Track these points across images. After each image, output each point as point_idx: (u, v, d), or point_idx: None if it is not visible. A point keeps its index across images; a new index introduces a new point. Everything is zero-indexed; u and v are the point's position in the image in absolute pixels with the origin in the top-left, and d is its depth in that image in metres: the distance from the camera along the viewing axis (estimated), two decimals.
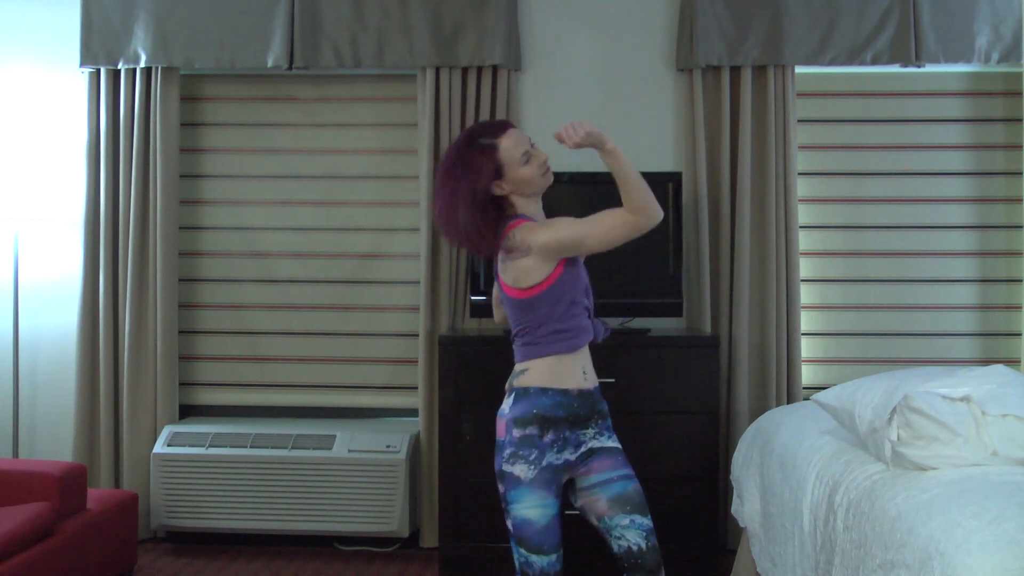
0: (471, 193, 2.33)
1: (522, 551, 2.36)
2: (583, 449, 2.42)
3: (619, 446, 2.48)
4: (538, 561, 2.34)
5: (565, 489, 2.45)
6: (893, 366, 3.72)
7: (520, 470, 2.35)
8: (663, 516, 3.51)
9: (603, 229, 2.33)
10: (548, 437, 2.36)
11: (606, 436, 2.46)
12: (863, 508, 2.07)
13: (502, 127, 2.39)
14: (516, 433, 2.37)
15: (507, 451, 2.38)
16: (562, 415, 2.38)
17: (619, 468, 2.43)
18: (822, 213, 4.09)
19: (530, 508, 2.34)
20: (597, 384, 2.48)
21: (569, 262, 2.40)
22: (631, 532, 2.38)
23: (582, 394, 2.41)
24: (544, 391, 2.37)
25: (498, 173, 2.34)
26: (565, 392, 2.39)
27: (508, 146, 2.34)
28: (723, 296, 3.96)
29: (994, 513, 1.72)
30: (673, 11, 4.02)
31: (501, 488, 2.40)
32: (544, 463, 2.35)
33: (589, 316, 2.46)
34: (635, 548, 2.37)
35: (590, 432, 2.43)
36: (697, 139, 3.94)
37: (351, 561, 3.83)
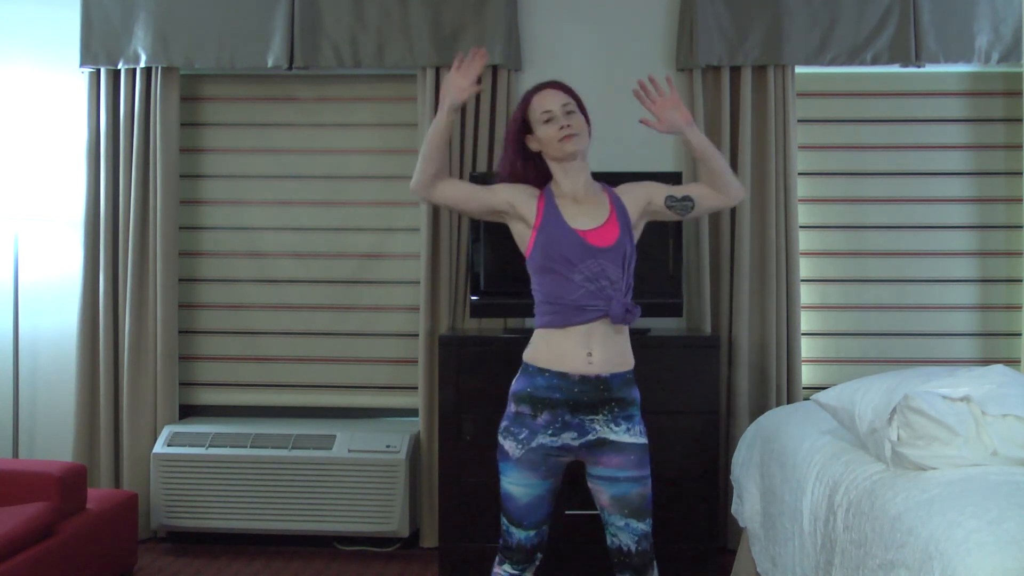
0: (507, 135, 2.52)
1: (504, 519, 2.45)
2: (590, 437, 2.37)
3: (637, 441, 2.39)
4: (516, 532, 2.43)
5: (578, 464, 2.45)
6: (893, 366, 3.72)
7: (509, 446, 2.41)
8: (663, 516, 3.51)
9: None
10: (542, 418, 2.37)
11: (622, 428, 2.38)
12: (863, 508, 2.07)
13: (544, 86, 2.48)
14: (512, 408, 2.42)
15: (503, 423, 2.43)
16: (559, 398, 2.36)
17: (627, 468, 2.38)
18: (822, 213, 4.09)
19: (513, 485, 2.41)
20: (616, 371, 2.39)
21: (544, 225, 2.40)
22: (624, 533, 2.41)
23: (585, 380, 2.35)
24: (541, 372, 2.39)
25: (528, 127, 2.45)
26: (564, 376, 2.36)
27: (536, 103, 2.44)
28: (723, 296, 3.96)
29: (994, 513, 1.71)
30: (673, 11, 4.02)
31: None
32: (534, 444, 2.37)
33: (605, 294, 2.36)
34: (624, 548, 2.42)
35: (600, 419, 2.37)
36: None
37: (351, 561, 3.83)
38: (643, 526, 2.42)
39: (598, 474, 2.41)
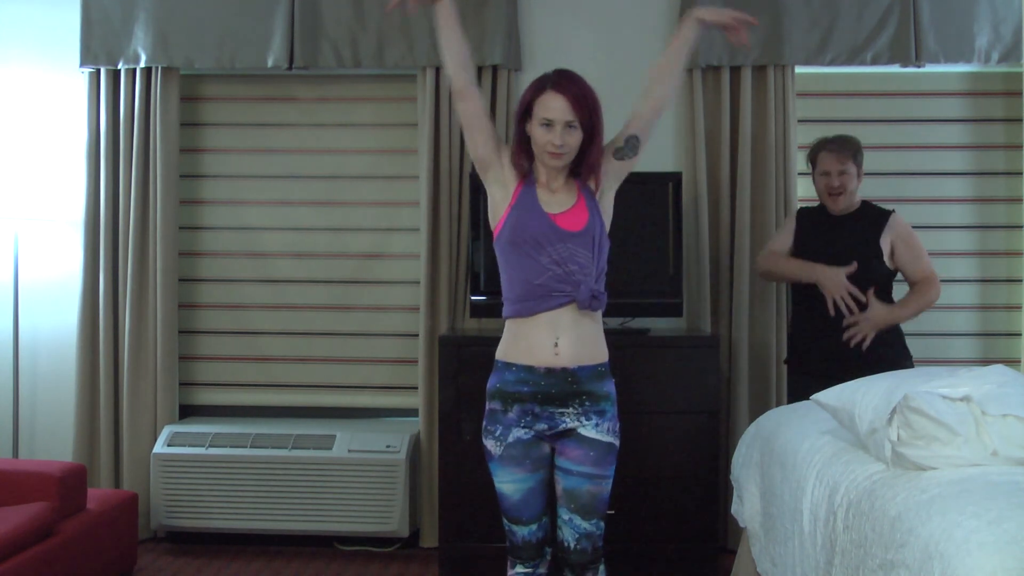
0: (516, 109, 2.46)
1: (504, 520, 2.44)
2: (560, 428, 2.37)
3: (602, 438, 2.36)
4: (519, 531, 2.42)
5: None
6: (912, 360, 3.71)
7: (490, 444, 2.41)
8: (663, 516, 3.52)
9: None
10: (512, 413, 2.37)
11: (591, 422, 2.36)
12: (863, 508, 2.06)
13: (558, 86, 2.36)
14: (487, 405, 2.43)
15: (483, 423, 2.43)
16: (526, 392, 2.35)
17: (583, 464, 2.36)
18: None
19: (503, 483, 2.41)
20: (585, 364, 2.35)
21: (518, 204, 2.37)
22: (566, 528, 2.42)
23: (552, 372, 2.34)
24: (508, 366, 2.39)
25: (529, 112, 2.39)
26: (530, 369, 2.35)
27: (545, 100, 2.36)
28: (723, 296, 3.96)
29: (994, 513, 1.71)
30: (673, 11, 4.02)
31: None
32: (511, 439, 2.37)
33: (573, 279, 2.32)
34: (564, 543, 2.43)
35: (570, 412, 2.36)
36: (697, 139, 3.94)
37: (351, 561, 3.83)
38: (587, 525, 2.40)
39: (557, 464, 2.41)
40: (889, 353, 3.32)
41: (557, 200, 2.40)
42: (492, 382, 2.43)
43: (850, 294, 3.22)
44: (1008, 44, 3.88)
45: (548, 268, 2.33)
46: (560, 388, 2.35)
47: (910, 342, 3.46)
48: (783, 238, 3.54)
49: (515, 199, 2.39)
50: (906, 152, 4.09)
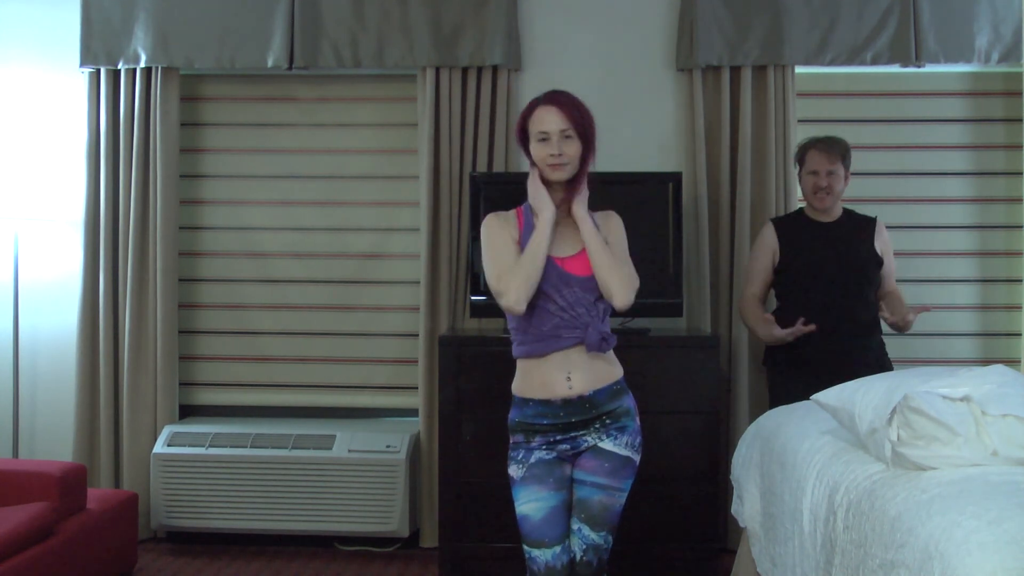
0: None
1: (526, 548, 2.39)
2: (582, 447, 2.40)
3: (619, 451, 2.39)
4: (540, 556, 2.36)
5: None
6: (893, 366, 3.72)
7: (513, 470, 2.42)
8: (663, 516, 3.52)
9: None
10: (535, 441, 2.40)
11: (611, 438, 2.40)
12: (863, 508, 2.06)
13: (548, 101, 2.37)
14: (510, 438, 2.45)
15: (508, 453, 2.45)
16: (547, 424, 2.38)
17: (597, 475, 2.38)
18: None
19: (525, 503, 2.39)
20: (600, 387, 2.39)
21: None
22: (575, 539, 2.40)
23: (568, 402, 2.37)
24: (526, 401, 2.41)
25: (525, 133, 2.40)
26: (547, 403, 2.38)
27: (535, 119, 2.37)
28: (723, 296, 3.96)
29: (994, 513, 1.71)
30: (673, 11, 4.03)
31: None
32: (533, 459, 2.39)
33: (580, 321, 2.35)
34: (573, 555, 2.39)
35: (591, 432, 2.39)
36: (697, 139, 3.94)
37: (351, 561, 3.83)
38: (595, 537, 2.39)
39: (574, 476, 2.42)
40: (873, 356, 3.35)
41: (564, 238, 2.40)
42: (512, 416, 2.44)
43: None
44: (1008, 44, 3.89)
45: (555, 315, 2.35)
46: (580, 415, 2.38)
47: (911, 341, 3.46)
48: (761, 257, 3.48)
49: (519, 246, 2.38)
50: (906, 152, 4.09)
